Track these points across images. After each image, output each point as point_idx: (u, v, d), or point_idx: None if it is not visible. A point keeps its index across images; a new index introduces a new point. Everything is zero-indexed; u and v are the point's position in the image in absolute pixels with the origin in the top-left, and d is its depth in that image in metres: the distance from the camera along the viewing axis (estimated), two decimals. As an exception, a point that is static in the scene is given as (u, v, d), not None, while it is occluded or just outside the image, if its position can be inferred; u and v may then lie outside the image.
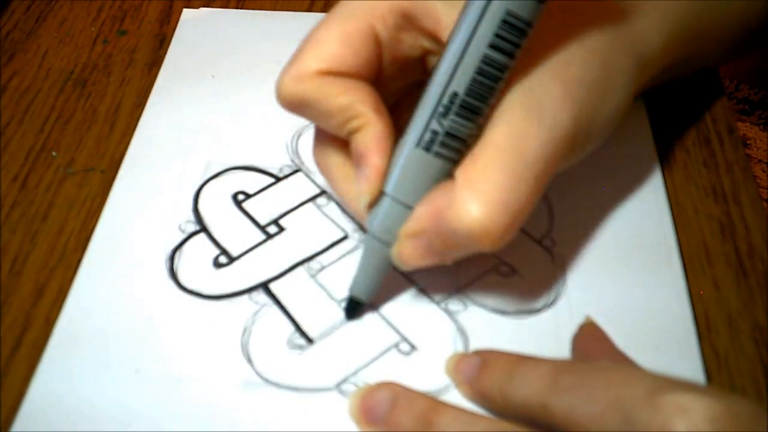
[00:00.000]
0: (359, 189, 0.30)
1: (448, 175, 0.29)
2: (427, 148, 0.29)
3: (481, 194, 0.28)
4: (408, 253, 0.30)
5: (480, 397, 0.29)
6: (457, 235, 0.28)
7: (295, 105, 0.31)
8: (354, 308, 0.32)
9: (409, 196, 0.29)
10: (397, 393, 0.29)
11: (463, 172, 0.29)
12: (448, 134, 0.29)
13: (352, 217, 0.36)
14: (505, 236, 0.28)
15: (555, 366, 0.27)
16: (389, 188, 0.30)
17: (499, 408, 0.28)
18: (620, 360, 0.29)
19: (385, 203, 0.30)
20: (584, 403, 0.25)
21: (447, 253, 0.30)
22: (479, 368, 0.29)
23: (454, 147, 0.29)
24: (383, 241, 0.30)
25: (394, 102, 0.33)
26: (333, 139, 0.32)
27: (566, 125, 0.29)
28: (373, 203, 0.30)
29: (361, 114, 0.29)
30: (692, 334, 0.31)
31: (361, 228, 0.35)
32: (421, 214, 0.29)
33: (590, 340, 0.30)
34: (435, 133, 0.29)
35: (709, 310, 0.33)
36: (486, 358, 0.29)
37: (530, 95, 0.29)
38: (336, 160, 0.32)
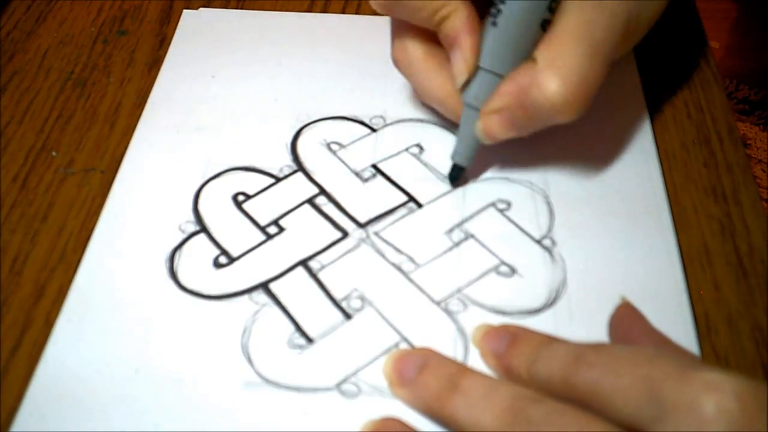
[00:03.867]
0: (457, 69, 0.34)
1: (530, 51, 0.33)
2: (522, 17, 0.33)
3: (561, 71, 0.32)
4: (493, 127, 0.34)
5: (505, 370, 0.29)
6: (540, 108, 0.32)
7: (389, 6, 0.34)
8: (457, 174, 0.36)
9: (499, 66, 0.34)
10: (428, 356, 0.30)
11: (542, 54, 0.33)
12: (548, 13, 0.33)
13: (350, 216, 0.36)
14: (582, 108, 0.33)
15: (583, 345, 0.27)
16: (482, 61, 0.34)
17: (524, 384, 0.28)
18: (658, 339, 0.29)
19: (479, 75, 0.34)
20: (610, 377, 0.25)
21: (527, 126, 0.34)
22: (508, 343, 0.29)
23: (544, 20, 0.33)
24: (478, 110, 0.35)
25: None
26: (414, 35, 0.36)
27: (623, 17, 0.33)
28: (469, 80, 0.34)
29: (448, 2, 0.33)
30: (692, 334, 0.31)
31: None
32: (505, 91, 0.33)
33: (626, 321, 0.30)
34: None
35: (709, 310, 0.33)
36: (516, 333, 0.30)
37: None
38: (418, 54, 0.36)
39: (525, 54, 0.33)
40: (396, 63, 0.37)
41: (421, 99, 0.39)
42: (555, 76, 0.32)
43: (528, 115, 0.33)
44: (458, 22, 0.33)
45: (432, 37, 0.35)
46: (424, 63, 0.36)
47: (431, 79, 0.36)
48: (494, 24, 0.33)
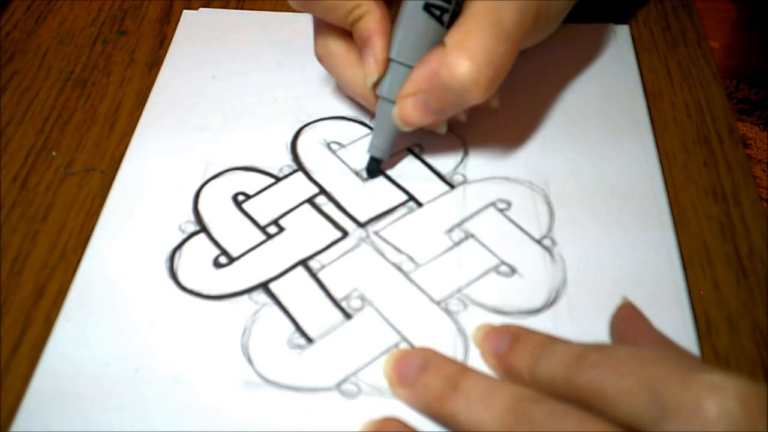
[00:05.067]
0: (368, 68, 0.35)
1: (439, 41, 0.34)
2: (427, 11, 0.34)
3: (469, 52, 0.33)
4: (408, 112, 0.35)
5: (506, 370, 0.29)
6: (450, 89, 0.33)
7: (305, 4, 0.35)
8: (374, 167, 0.37)
9: (410, 57, 0.35)
10: (429, 356, 0.30)
11: (451, 38, 0.33)
12: (443, 2, 0.34)
13: (350, 215, 0.36)
14: (490, 87, 0.33)
15: (585, 345, 0.27)
16: (393, 54, 0.35)
17: (525, 384, 0.28)
18: (659, 340, 0.29)
19: (392, 67, 0.35)
20: (613, 378, 0.25)
21: (441, 109, 0.35)
22: (510, 343, 0.29)
23: (444, 10, 0.34)
24: (392, 102, 0.35)
25: None
26: (334, 32, 0.37)
27: (533, 3, 0.35)
28: (381, 78, 0.35)
29: (362, 3, 0.34)
30: (692, 334, 0.31)
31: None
32: (418, 76, 0.34)
33: (628, 321, 0.30)
34: (432, 4, 0.34)
35: (709, 310, 0.33)
36: (518, 333, 0.30)
37: None
38: (338, 50, 0.37)
39: (435, 42, 0.34)
40: (319, 59, 0.38)
41: (345, 93, 0.40)
42: (463, 57, 0.33)
43: (440, 98, 0.34)
44: (371, 23, 0.34)
45: (350, 33, 0.36)
46: (344, 58, 0.37)
47: (352, 74, 0.37)
48: (404, 17, 0.35)
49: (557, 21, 0.39)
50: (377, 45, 0.35)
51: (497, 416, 0.26)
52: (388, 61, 0.35)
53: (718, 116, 0.40)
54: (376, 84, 0.36)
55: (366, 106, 0.39)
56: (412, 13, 0.34)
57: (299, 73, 0.42)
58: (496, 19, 0.33)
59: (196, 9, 0.47)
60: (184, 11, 0.46)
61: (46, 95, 0.42)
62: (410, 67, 0.35)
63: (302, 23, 0.45)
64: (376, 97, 0.36)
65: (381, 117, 0.36)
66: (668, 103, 0.41)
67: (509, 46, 0.34)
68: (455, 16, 0.34)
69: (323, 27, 0.37)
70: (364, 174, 0.38)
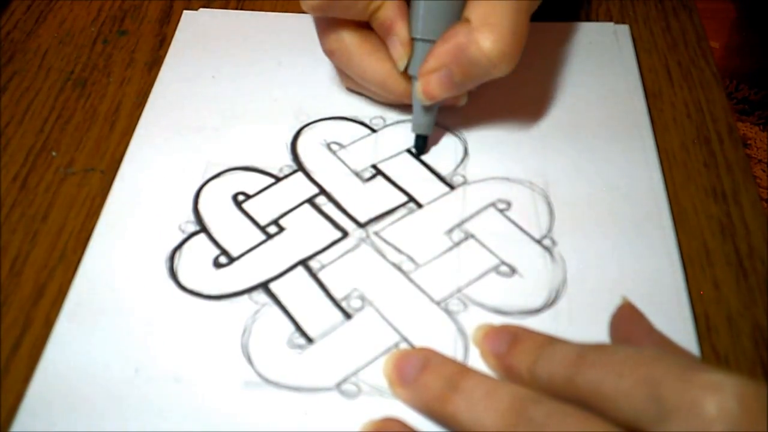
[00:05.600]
0: (396, 53, 0.36)
1: (456, 13, 0.35)
2: None
3: (495, 28, 0.34)
4: (432, 86, 0.35)
5: (506, 370, 0.29)
6: (478, 63, 0.34)
7: (321, 7, 0.36)
8: (422, 144, 0.38)
9: (433, 32, 0.36)
10: (429, 357, 0.30)
11: (474, 13, 0.34)
12: None
13: (350, 216, 0.36)
14: (516, 59, 0.35)
15: (584, 345, 0.27)
16: (417, 33, 0.36)
17: (525, 384, 0.28)
18: (659, 340, 0.29)
19: (417, 46, 0.36)
20: (612, 378, 0.25)
21: (464, 83, 0.35)
22: (510, 343, 0.29)
23: None
24: None
25: None
26: (346, 26, 0.37)
27: None
28: (410, 59, 0.36)
29: None
30: (692, 334, 0.31)
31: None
32: (442, 51, 0.35)
33: (627, 321, 0.30)
34: None
35: (709, 310, 0.33)
36: (517, 333, 0.30)
37: None
38: (353, 41, 0.37)
39: (454, 18, 0.35)
40: (331, 54, 0.38)
41: (359, 85, 0.40)
42: (490, 33, 0.34)
43: (466, 72, 0.35)
44: (390, 10, 0.36)
45: (361, 24, 0.37)
46: (360, 48, 0.37)
47: (370, 63, 0.37)
48: None
49: None
50: (401, 30, 0.36)
51: (497, 416, 0.26)
52: (412, 41, 0.36)
53: (718, 116, 0.40)
54: (407, 68, 0.36)
55: (385, 95, 0.39)
56: None
57: (299, 73, 0.42)
58: None
59: (196, 9, 0.47)
60: (184, 11, 0.46)
61: (46, 95, 0.42)
62: (434, 42, 0.35)
63: (302, 23, 0.45)
64: (407, 78, 0.37)
65: (417, 96, 0.37)
66: (668, 103, 0.41)
67: (525, 16, 0.35)
68: None
69: (333, 23, 0.37)
70: (365, 175, 0.38)
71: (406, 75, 0.37)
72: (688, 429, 0.23)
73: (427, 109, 0.37)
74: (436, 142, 0.39)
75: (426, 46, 0.36)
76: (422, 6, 0.36)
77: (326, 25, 0.38)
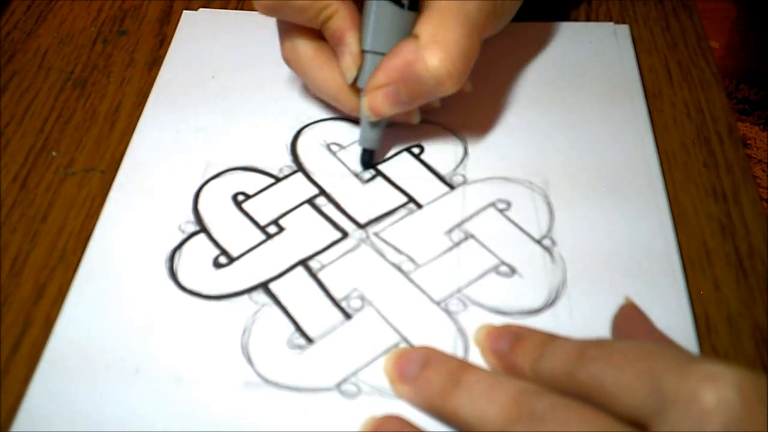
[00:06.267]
0: (345, 65, 0.36)
1: (406, 27, 0.35)
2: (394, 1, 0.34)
3: (443, 46, 0.34)
4: (378, 103, 0.35)
5: (508, 369, 0.29)
6: (424, 82, 0.34)
7: (272, 8, 0.35)
8: (368, 158, 0.38)
9: (383, 45, 0.35)
10: (430, 354, 0.30)
11: (423, 30, 0.34)
12: None
13: (350, 217, 0.36)
14: (462, 78, 0.34)
15: (585, 341, 0.27)
16: (367, 45, 0.35)
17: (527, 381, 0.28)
18: (661, 340, 0.29)
19: (367, 59, 0.36)
20: (613, 372, 0.25)
21: (411, 100, 0.35)
22: (511, 342, 0.30)
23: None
24: None
25: None
26: (301, 34, 0.37)
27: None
28: (359, 72, 0.36)
29: (330, 3, 0.35)
30: (692, 334, 0.31)
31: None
32: (389, 67, 0.34)
33: (630, 321, 0.30)
34: None
35: (709, 310, 0.33)
36: (520, 333, 0.30)
37: None
38: (307, 52, 0.37)
39: (405, 31, 0.35)
40: (287, 62, 0.38)
41: (315, 94, 0.40)
42: (438, 51, 0.34)
43: (412, 90, 0.35)
44: (341, 20, 0.35)
45: (319, 35, 0.37)
46: (313, 60, 0.37)
47: (322, 75, 0.37)
48: (370, 8, 0.35)
49: (510, 15, 0.40)
50: (351, 40, 0.35)
51: (500, 410, 0.26)
52: (362, 53, 0.36)
53: (718, 116, 0.40)
54: (356, 79, 0.36)
55: (336, 107, 0.39)
56: (374, 2, 0.35)
57: (299, 73, 0.42)
58: (464, 12, 0.34)
59: (196, 9, 0.47)
60: (184, 11, 0.46)
61: (46, 95, 0.42)
62: (383, 55, 0.35)
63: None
64: (356, 90, 0.37)
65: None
66: (668, 103, 0.41)
67: (476, 37, 0.35)
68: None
69: (290, 30, 0.37)
70: (360, 169, 0.38)
71: (357, 89, 0.37)
72: (687, 420, 0.23)
73: (374, 123, 0.37)
74: (436, 142, 0.39)
75: (376, 59, 0.35)
76: (372, 18, 0.35)
77: (284, 33, 0.38)
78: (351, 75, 0.36)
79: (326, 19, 0.35)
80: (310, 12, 0.35)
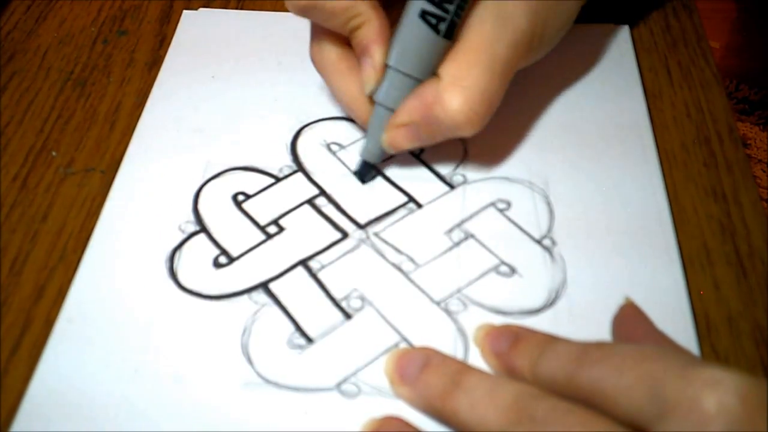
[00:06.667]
0: (366, 76, 0.35)
1: (437, 51, 0.34)
2: (423, 18, 0.33)
3: (464, 89, 0.33)
4: (399, 140, 0.35)
5: (508, 370, 0.29)
6: (443, 124, 0.34)
7: (303, 8, 0.35)
8: (366, 171, 0.37)
9: (408, 66, 0.34)
10: (430, 355, 0.30)
11: (446, 70, 0.34)
12: (439, 10, 0.33)
13: (350, 217, 0.36)
14: (483, 122, 0.34)
15: (585, 344, 0.27)
16: (392, 61, 0.35)
17: (527, 383, 0.28)
18: (661, 341, 0.29)
19: (390, 74, 0.35)
20: (613, 375, 0.25)
21: (430, 138, 0.35)
22: (511, 343, 0.30)
23: (441, 18, 0.33)
24: (388, 109, 0.35)
25: (388, 2, 0.36)
26: (330, 38, 0.36)
27: (526, 31, 0.35)
28: (377, 87, 0.35)
29: (361, 12, 0.34)
30: (692, 334, 0.31)
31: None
32: (411, 107, 0.34)
33: (630, 322, 0.30)
34: (427, 11, 0.33)
35: (709, 310, 0.33)
36: (519, 333, 0.30)
37: (498, 5, 0.34)
38: (332, 57, 0.37)
39: (434, 57, 0.34)
40: (313, 62, 0.38)
41: (336, 99, 0.39)
42: (457, 94, 0.33)
43: (431, 130, 0.35)
44: (370, 31, 0.34)
45: (347, 41, 0.36)
46: (336, 65, 0.37)
47: (342, 82, 0.37)
48: (402, 24, 0.34)
49: (552, 44, 0.38)
50: (376, 53, 0.34)
51: (500, 413, 0.26)
52: (386, 67, 0.35)
53: (718, 116, 0.40)
54: (375, 93, 0.35)
55: (351, 116, 0.38)
56: (410, 21, 0.34)
57: (299, 73, 0.42)
58: (492, 52, 0.34)
59: (196, 9, 0.47)
60: (184, 11, 0.46)
61: (46, 95, 0.42)
62: (407, 76, 0.34)
63: (302, 23, 0.45)
64: (372, 102, 0.36)
65: (375, 122, 0.36)
66: (668, 103, 0.41)
67: (502, 79, 0.34)
68: (453, 26, 0.34)
69: (320, 31, 0.37)
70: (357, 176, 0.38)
71: (373, 102, 0.36)
72: (688, 425, 0.23)
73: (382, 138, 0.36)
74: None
75: (398, 77, 0.35)
76: (404, 35, 0.34)
77: (315, 34, 0.37)
78: (369, 87, 0.35)
79: (355, 28, 0.34)
80: (341, 18, 0.34)
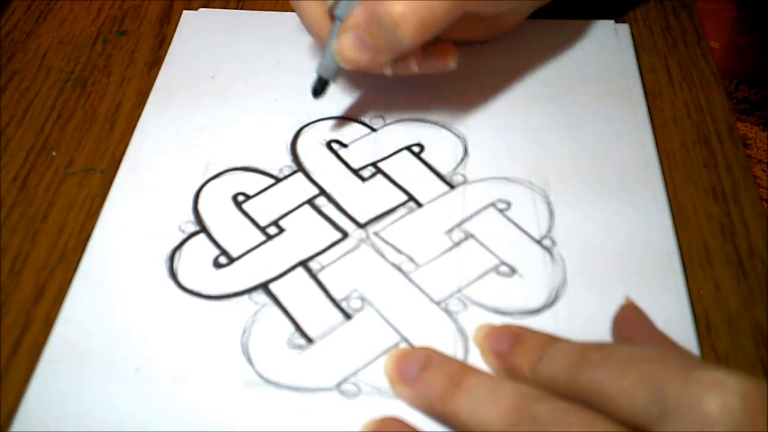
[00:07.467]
0: None
1: None
2: None
3: None
4: (345, 47, 0.35)
5: (508, 370, 0.29)
6: (382, 24, 0.34)
7: None
8: (321, 88, 0.38)
9: None
10: (430, 355, 0.30)
11: None
12: None
13: (350, 216, 0.36)
14: (420, 29, 0.34)
15: (586, 344, 0.27)
16: None
17: (527, 383, 0.28)
18: (661, 341, 0.29)
19: None
20: (614, 377, 0.25)
21: (375, 47, 0.35)
22: (511, 343, 0.29)
23: None
24: None
25: None
26: None
27: None
28: (337, 1, 0.36)
29: None
30: (692, 334, 0.31)
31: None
32: (357, 11, 0.35)
33: (630, 322, 0.30)
34: None
35: (709, 310, 0.33)
36: (519, 333, 0.30)
37: None
38: None
39: None
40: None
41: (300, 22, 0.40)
42: None
43: (373, 34, 0.34)
44: None
45: None
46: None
47: (306, 4, 0.38)
48: None
49: None
50: None
51: (500, 414, 0.26)
52: None
53: (718, 116, 0.40)
54: (333, 6, 0.36)
55: (314, 39, 0.39)
56: None
57: (299, 73, 0.42)
58: None
59: (196, 9, 0.47)
60: (184, 11, 0.46)
61: (46, 95, 0.42)
62: None
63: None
64: (324, 28, 0.37)
65: (333, 37, 0.36)
66: (668, 103, 0.41)
67: (453, 1, 0.34)
68: None
69: None
70: (356, 165, 0.38)
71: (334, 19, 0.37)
72: (690, 427, 0.23)
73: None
74: (436, 140, 0.39)
75: None
76: None
77: None
78: (330, 2, 0.36)
79: None
80: None
